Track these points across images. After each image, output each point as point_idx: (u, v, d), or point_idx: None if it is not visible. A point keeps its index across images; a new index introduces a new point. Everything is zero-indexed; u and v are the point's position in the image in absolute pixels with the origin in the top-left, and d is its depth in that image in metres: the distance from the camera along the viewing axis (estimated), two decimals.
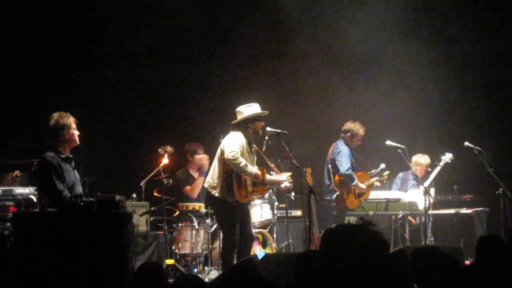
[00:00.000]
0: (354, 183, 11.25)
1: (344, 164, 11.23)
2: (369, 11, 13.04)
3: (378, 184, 11.69)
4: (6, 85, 12.15)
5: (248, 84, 12.92)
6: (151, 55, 13.32)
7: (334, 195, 11.24)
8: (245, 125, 9.33)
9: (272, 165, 9.89)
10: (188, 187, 11.34)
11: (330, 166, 11.36)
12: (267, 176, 9.70)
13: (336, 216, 11.24)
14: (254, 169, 9.22)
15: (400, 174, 12.61)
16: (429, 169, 12.26)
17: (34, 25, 12.30)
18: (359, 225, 3.62)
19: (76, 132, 8.16)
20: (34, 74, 12.40)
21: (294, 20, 13.37)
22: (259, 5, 13.42)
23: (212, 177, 9.37)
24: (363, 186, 11.41)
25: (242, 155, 9.08)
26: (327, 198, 11.27)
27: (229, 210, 9.22)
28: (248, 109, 9.38)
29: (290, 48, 13.49)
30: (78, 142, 8.24)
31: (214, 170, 9.36)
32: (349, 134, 11.45)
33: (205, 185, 9.55)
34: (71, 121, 8.13)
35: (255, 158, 9.64)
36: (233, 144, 9.11)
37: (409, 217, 11.91)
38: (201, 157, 11.24)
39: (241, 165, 9.00)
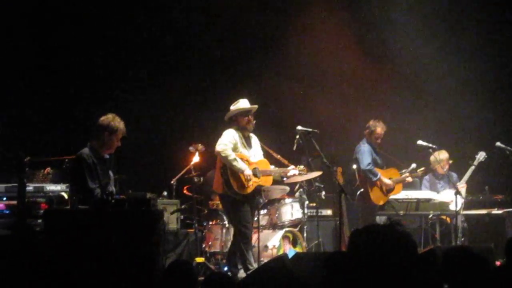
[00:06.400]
0: (377, 178, 11.27)
1: (364, 160, 11.34)
2: (407, 12, 13.07)
3: (410, 179, 11.62)
4: (38, 83, 12.24)
5: (279, 83, 12.90)
6: (183, 55, 13.40)
7: (358, 192, 11.28)
8: (232, 122, 9.65)
9: (278, 157, 10.00)
10: None
11: (355, 165, 11.41)
12: (271, 167, 9.89)
13: (363, 214, 11.24)
14: (243, 165, 9.37)
15: (426, 177, 12.47)
16: (451, 161, 12.16)
17: (74, 22, 12.44)
18: (386, 226, 3.60)
19: (117, 143, 8.22)
20: (67, 72, 12.49)
21: (333, 17, 13.42)
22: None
23: (214, 178, 9.66)
24: (388, 181, 11.37)
25: (235, 149, 9.39)
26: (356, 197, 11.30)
27: (233, 204, 9.44)
28: (234, 106, 9.71)
29: (326, 48, 13.47)
30: (112, 151, 8.31)
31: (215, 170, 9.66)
32: (367, 131, 11.58)
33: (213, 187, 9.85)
34: (120, 129, 8.18)
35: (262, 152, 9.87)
36: (222, 138, 9.44)
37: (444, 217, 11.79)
38: None
39: (229, 158, 9.27)
